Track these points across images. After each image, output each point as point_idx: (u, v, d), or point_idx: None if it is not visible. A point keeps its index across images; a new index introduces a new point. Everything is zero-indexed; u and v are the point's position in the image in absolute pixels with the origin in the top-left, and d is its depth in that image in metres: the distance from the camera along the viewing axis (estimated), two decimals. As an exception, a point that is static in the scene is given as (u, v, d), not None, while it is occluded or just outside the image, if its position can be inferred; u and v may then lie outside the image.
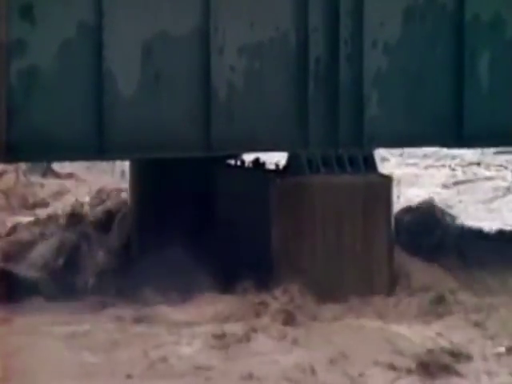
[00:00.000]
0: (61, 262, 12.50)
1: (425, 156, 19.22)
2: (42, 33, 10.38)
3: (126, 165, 15.35)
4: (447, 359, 9.13)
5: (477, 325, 10.22)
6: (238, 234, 11.24)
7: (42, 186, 18.02)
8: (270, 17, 10.89)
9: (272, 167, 11.47)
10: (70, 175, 18.50)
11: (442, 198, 17.37)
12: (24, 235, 13.64)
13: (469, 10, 11.40)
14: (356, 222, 10.86)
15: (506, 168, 20.24)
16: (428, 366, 8.71)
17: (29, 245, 13.18)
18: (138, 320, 9.98)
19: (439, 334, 9.77)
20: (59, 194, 17.48)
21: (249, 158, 11.72)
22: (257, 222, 11.13)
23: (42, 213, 15.49)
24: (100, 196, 15.20)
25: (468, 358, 9.32)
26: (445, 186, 18.82)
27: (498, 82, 11.67)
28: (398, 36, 11.26)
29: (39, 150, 10.80)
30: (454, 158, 19.56)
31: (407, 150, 18.18)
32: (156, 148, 10.78)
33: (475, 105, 11.60)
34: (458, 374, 8.89)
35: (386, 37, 11.24)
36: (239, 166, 11.81)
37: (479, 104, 11.58)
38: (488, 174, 19.56)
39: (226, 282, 10.72)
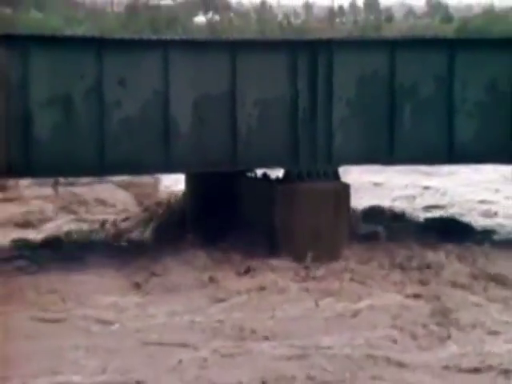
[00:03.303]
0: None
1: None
2: (131, 94, 12.94)
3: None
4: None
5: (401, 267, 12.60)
6: (254, 220, 13.52)
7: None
8: (273, 82, 13.47)
9: (274, 178, 13.82)
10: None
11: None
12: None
13: (397, 79, 13.82)
14: (328, 213, 13.21)
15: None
16: None
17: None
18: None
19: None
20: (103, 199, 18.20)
21: (259, 172, 14.02)
22: (265, 213, 13.35)
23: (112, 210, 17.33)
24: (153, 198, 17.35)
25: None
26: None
27: (418, 123, 13.93)
28: (354, 94, 13.69)
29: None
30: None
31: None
32: (206, 164, 13.36)
33: (402, 136, 13.88)
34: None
35: (347, 95, 13.66)
36: (254, 177, 14.06)
37: (405, 136, 13.86)
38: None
39: (247, 248, 12.92)
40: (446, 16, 57.33)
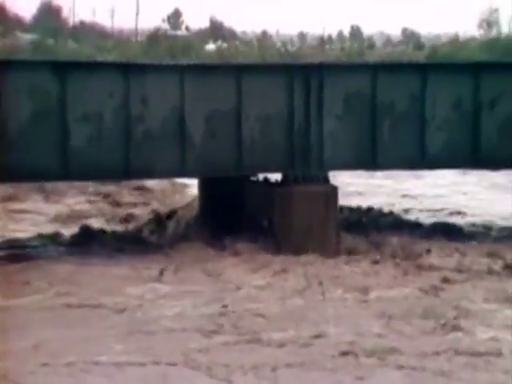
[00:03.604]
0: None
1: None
2: (153, 111, 12.86)
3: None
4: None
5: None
6: (257, 218, 13.38)
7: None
8: (273, 100, 13.37)
9: (274, 181, 13.67)
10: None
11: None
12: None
13: (378, 98, 13.69)
14: (319, 211, 13.02)
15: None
16: None
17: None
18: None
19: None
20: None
21: (261, 176, 13.82)
22: (266, 212, 13.24)
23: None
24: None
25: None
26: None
27: (395, 135, 13.85)
28: (341, 110, 13.60)
29: None
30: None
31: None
32: (216, 170, 13.34)
33: (384, 147, 13.78)
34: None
35: (336, 110, 13.57)
36: (256, 181, 13.90)
37: (385, 146, 13.77)
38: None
39: (251, 243, 12.84)
40: (418, 44, 57.38)
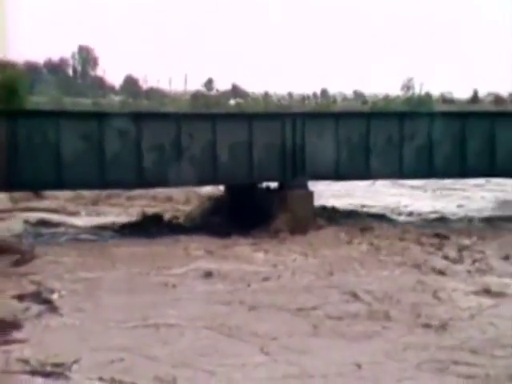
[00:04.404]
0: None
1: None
2: (196, 143, 12.55)
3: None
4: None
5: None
6: (263, 213, 12.74)
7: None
8: (272, 135, 12.98)
9: (273, 188, 13.33)
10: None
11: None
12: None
13: (339, 133, 13.28)
14: (303, 206, 12.58)
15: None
16: None
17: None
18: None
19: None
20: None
21: (264, 184, 13.37)
22: (270, 209, 12.69)
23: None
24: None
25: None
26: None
27: (350, 157, 13.35)
28: (317, 141, 13.08)
29: None
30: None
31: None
32: (236, 179, 12.94)
33: (344, 165, 13.28)
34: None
35: (313, 141, 12.97)
36: (261, 187, 13.43)
37: (345, 164, 13.33)
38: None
39: (261, 226, 12.24)
40: (364, 100, 57.50)
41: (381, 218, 14.03)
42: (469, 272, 9.41)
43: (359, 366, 5.78)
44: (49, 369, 5.69)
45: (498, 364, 5.79)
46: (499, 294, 8.16)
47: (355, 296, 7.98)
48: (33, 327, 6.80)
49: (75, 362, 5.79)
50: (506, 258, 10.26)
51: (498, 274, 9.28)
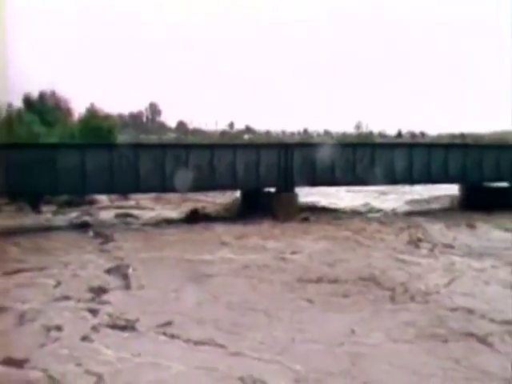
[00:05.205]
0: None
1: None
2: (220, 163, 11.84)
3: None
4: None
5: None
6: (266, 209, 12.27)
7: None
8: (270, 158, 12.40)
9: (272, 191, 12.66)
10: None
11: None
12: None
13: (317, 157, 12.49)
14: (290, 204, 12.26)
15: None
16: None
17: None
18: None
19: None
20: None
21: (265, 189, 12.64)
22: (270, 206, 12.27)
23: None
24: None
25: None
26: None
27: (331, 171, 12.62)
28: (301, 163, 12.49)
29: None
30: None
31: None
32: (248, 186, 12.41)
33: (320, 176, 12.56)
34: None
35: (298, 161, 12.53)
36: (264, 191, 12.77)
37: (321, 175, 12.56)
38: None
39: (264, 219, 11.61)
40: (331, 136, 56.56)
41: (350, 212, 13.26)
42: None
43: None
44: (122, 323, 5.29)
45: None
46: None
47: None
48: (115, 293, 6.40)
49: (136, 320, 5.33)
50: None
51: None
